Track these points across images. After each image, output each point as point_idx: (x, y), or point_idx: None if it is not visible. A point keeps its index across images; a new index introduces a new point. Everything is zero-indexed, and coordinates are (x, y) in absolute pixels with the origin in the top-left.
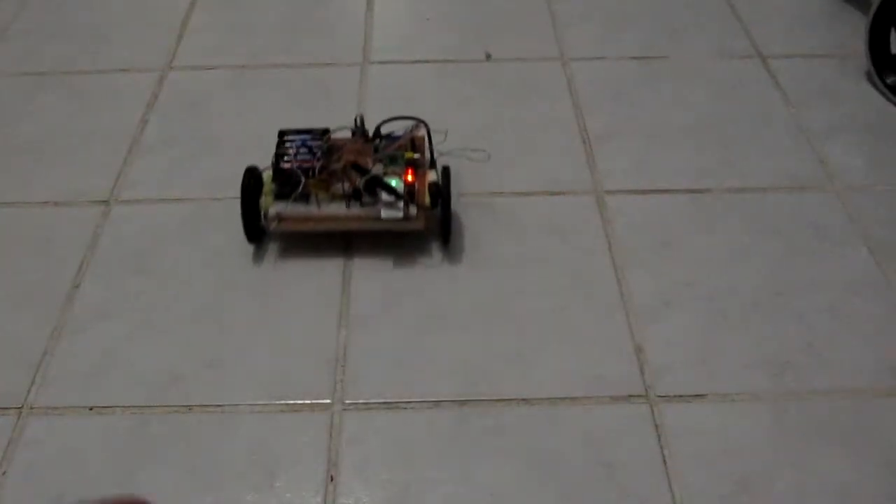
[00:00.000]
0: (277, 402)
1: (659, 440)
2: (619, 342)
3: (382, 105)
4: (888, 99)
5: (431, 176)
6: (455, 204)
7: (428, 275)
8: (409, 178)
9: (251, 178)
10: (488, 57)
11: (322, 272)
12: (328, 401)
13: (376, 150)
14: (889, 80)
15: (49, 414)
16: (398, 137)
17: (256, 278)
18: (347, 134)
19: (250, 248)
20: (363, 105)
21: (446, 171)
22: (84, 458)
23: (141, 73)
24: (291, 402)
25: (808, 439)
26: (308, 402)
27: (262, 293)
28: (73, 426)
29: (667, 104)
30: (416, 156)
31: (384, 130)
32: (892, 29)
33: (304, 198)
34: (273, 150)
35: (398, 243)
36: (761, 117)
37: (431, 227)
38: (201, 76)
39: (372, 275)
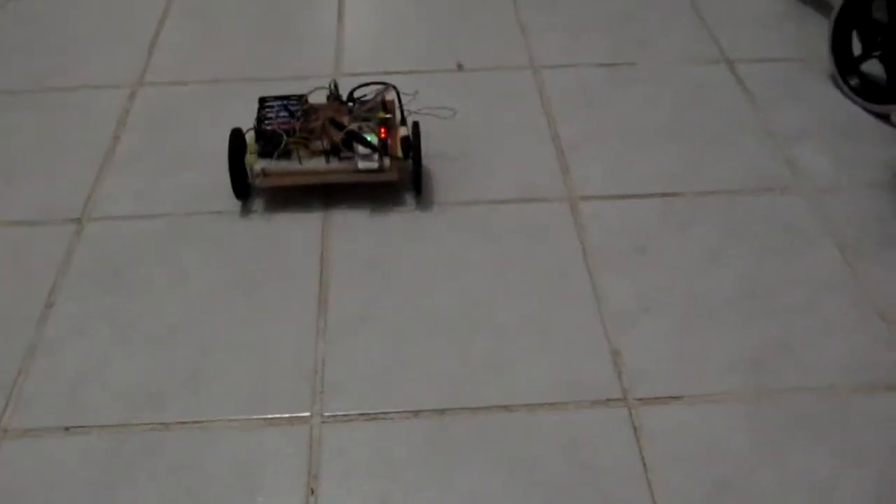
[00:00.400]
0: (257, 417)
1: (638, 443)
2: (596, 347)
3: None
4: (852, 101)
5: (402, 132)
6: (429, 202)
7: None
8: (382, 133)
9: (237, 139)
10: (460, 67)
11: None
12: (307, 413)
13: (350, 111)
14: (852, 83)
15: (25, 436)
16: (370, 101)
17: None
18: (323, 100)
19: (225, 261)
20: None
21: (416, 127)
22: (62, 480)
23: (112, 89)
24: (271, 416)
25: (784, 437)
26: (287, 415)
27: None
28: (50, 447)
29: (637, 110)
30: (388, 116)
31: (357, 95)
32: (854, 32)
33: (287, 155)
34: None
35: (374, 195)
36: (730, 121)
37: (404, 178)
38: (173, 91)
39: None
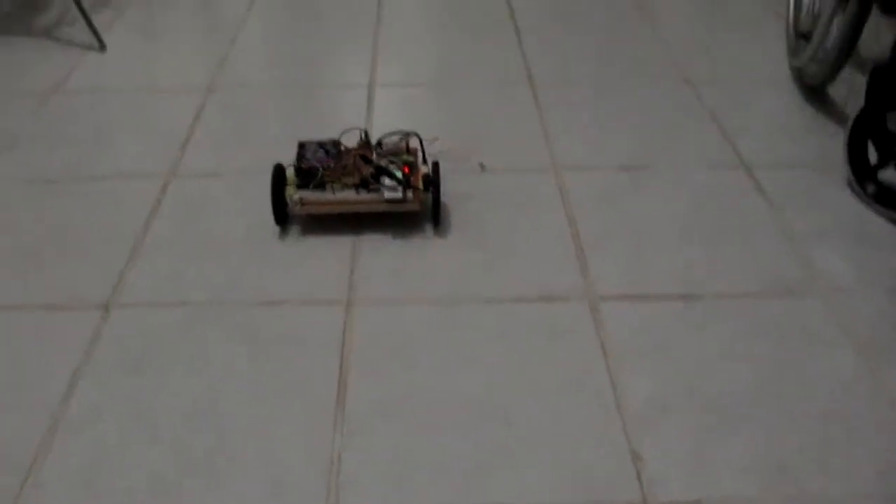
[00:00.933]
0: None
1: None
2: (615, 448)
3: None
4: (869, 206)
5: (424, 170)
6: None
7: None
8: (406, 170)
9: (278, 173)
10: (482, 167)
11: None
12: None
13: (378, 153)
14: (869, 190)
15: None
16: (395, 144)
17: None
18: (354, 144)
19: (246, 347)
20: (362, 217)
21: (436, 166)
22: None
23: (145, 179)
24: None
25: None
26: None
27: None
28: None
29: (656, 212)
30: (411, 158)
31: (384, 142)
32: (869, 141)
33: (321, 186)
34: None
35: (398, 223)
36: (748, 224)
37: (425, 209)
38: (204, 182)
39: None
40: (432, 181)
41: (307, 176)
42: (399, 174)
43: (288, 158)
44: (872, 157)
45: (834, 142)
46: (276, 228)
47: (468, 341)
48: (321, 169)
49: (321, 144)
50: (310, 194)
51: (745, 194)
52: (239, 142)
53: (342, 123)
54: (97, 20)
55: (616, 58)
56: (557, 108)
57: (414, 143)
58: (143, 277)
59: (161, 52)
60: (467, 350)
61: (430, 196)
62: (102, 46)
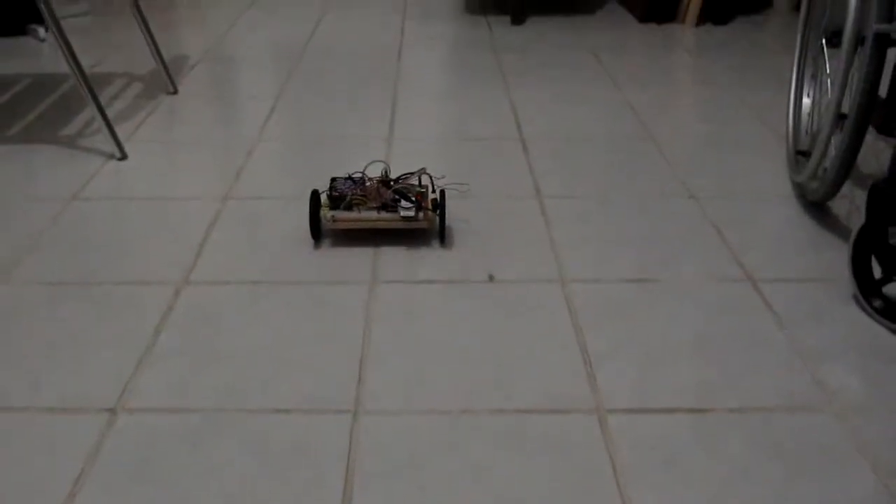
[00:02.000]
0: None
1: None
2: None
3: (390, 326)
4: (876, 321)
5: (433, 196)
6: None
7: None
8: (419, 196)
9: (315, 197)
10: (491, 278)
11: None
12: None
13: (394, 185)
14: (876, 304)
15: None
16: (410, 177)
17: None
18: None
19: (254, 459)
20: (370, 325)
21: (442, 193)
22: None
23: (158, 285)
24: None
25: None
26: None
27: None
28: None
29: (663, 325)
30: (422, 189)
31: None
32: (873, 256)
33: (350, 207)
34: None
35: (409, 238)
36: (756, 338)
37: (433, 228)
38: (216, 290)
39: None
40: (439, 205)
41: (338, 200)
42: (413, 199)
43: (299, 267)
44: (877, 271)
45: (838, 256)
46: (287, 345)
47: (475, 453)
48: (350, 194)
49: (349, 177)
50: (340, 213)
51: (753, 308)
52: (251, 251)
53: (348, 247)
54: (120, 130)
55: (621, 173)
56: (564, 220)
57: (425, 179)
58: (151, 383)
59: (180, 162)
60: (474, 462)
61: (437, 218)
62: (123, 155)
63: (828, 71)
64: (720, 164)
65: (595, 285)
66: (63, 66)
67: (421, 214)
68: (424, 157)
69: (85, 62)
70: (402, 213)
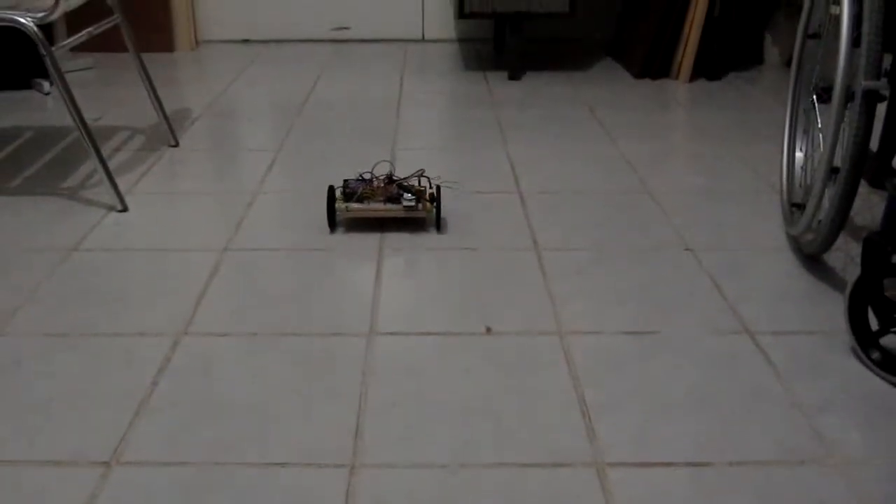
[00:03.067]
0: None
1: None
2: None
3: (390, 379)
4: (874, 373)
5: (430, 191)
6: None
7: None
8: (418, 192)
9: (332, 192)
10: (488, 330)
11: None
12: None
13: (398, 183)
14: (874, 356)
15: None
16: (410, 178)
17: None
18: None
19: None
20: (368, 378)
21: (438, 189)
22: None
23: (156, 337)
24: None
25: None
26: None
27: None
28: None
29: (662, 377)
30: (421, 187)
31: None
32: (869, 308)
33: (360, 200)
34: None
35: (410, 225)
36: (755, 391)
37: (430, 217)
38: (214, 342)
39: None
40: (436, 199)
41: (350, 195)
42: (413, 194)
43: (300, 326)
44: (874, 323)
45: (835, 308)
46: (284, 398)
47: None
48: (360, 189)
49: (360, 177)
50: (353, 205)
51: (751, 361)
52: (250, 302)
53: (349, 288)
54: (121, 182)
55: (618, 226)
56: (562, 273)
57: (424, 180)
58: (147, 436)
59: (180, 214)
60: None
61: (433, 209)
62: (124, 207)
63: (819, 125)
64: (716, 217)
65: (593, 337)
66: (66, 120)
67: (420, 205)
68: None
69: (88, 115)
70: (405, 203)
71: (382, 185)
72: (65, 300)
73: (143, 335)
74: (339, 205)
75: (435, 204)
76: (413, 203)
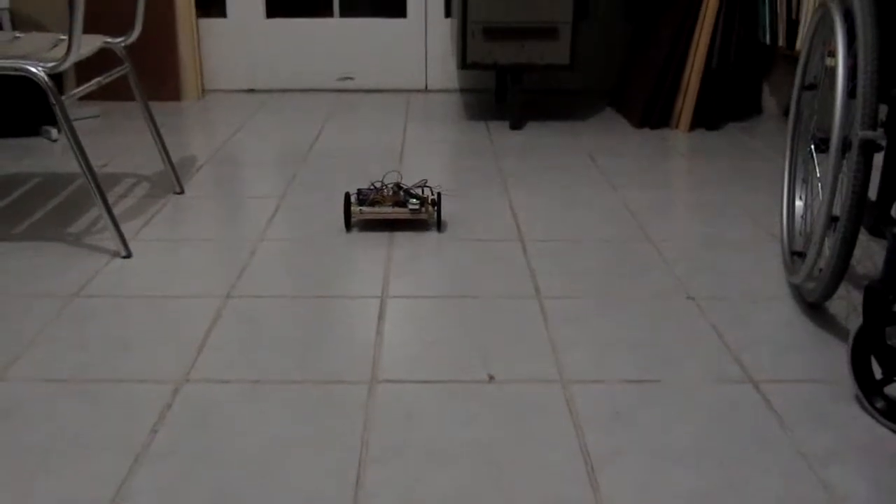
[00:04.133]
0: None
1: None
2: None
3: (391, 427)
4: (879, 422)
5: (432, 198)
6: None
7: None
8: (422, 197)
9: (348, 198)
10: (491, 378)
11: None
12: None
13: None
14: (878, 405)
15: None
16: (414, 186)
17: None
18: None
19: None
20: (370, 422)
21: (439, 195)
22: None
23: (157, 384)
24: None
25: None
26: None
27: None
28: None
29: (665, 426)
30: (425, 195)
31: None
32: (872, 356)
33: (372, 205)
34: None
35: (415, 226)
36: (759, 440)
37: (432, 220)
38: (215, 389)
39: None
40: (437, 203)
41: (364, 201)
42: (417, 199)
43: (302, 373)
44: (877, 371)
45: (838, 356)
46: (285, 447)
47: None
48: (372, 195)
49: (371, 186)
50: (366, 208)
51: (755, 410)
52: (251, 349)
53: (350, 334)
54: (126, 228)
55: (619, 274)
56: (564, 321)
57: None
58: (145, 486)
59: (183, 261)
60: None
61: (435, 212)
62: (128, 253)
63: (818, 174)
64: (717, 265)
65: (595, 386)
66: (72, 167)
67: (424, 209)
68: (425, 258)
69: (95, 162)
70: (411, 208)
71: (391, 192)
72: (66, 346)
73: (144, 382)
74: (354, 209)
75: (436, 208)
76: (417, 207)
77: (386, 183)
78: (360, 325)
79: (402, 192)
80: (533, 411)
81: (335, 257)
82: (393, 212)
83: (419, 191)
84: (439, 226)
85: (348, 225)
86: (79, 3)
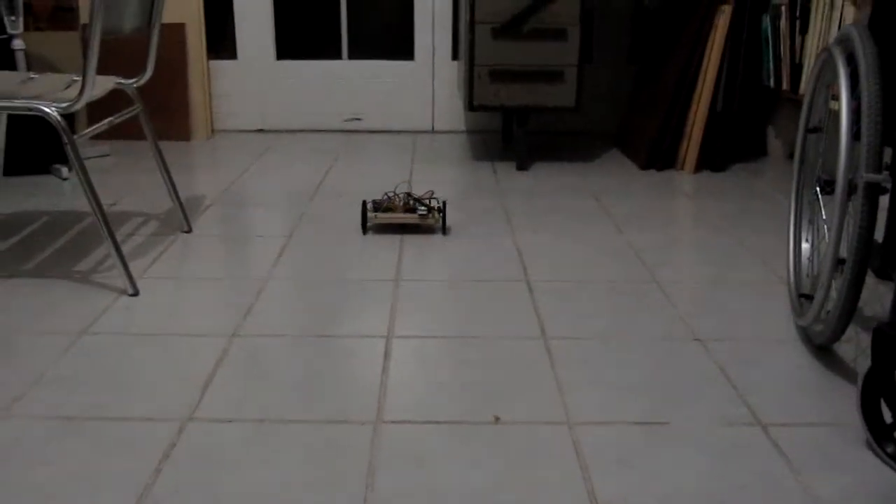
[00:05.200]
0: None
1: None
2: None
3: (397, 469)
4: (890, 467)
5: (438, 206)
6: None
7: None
8: (429, 206)
9: (364, 205)
10: (497, 420)
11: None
12: None
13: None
14: (889, 450)
15: None
16: (423, 196)
17: None
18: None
19: None
20: (375, 460)
21: (444, 204)
22: None
23: (162, 422)
24: None
25: None
26: None
27: None
28: None
29: (673, 470)
30: (432, 203)
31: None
32: (882, 400)
33: (386, 211)
34: None
35: (423, 230)
36: (768, 484)
37: (438, 225)
38: (220, 428)
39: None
40: (442, 211)
41: (378, 207)
42: (425, 206)
43: (307, 413)
44: (887, 415)
45: (847, 399)
46: (290, 488)
47: None
48: (385, 203)
49: (384, 196)
50: (380, 214)
51: (764, 454)
52: (257, 388)
53: (356, 374)
54: (134, 266)
55: (625, 315)
56: (570, 362)
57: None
58: None
59: (190, 299)
60: None
61: (440, 219)
62: (135, 292)
63: (824, 216)
64: (724, 307)
65: (602, 428)
66: (81, 205)
67: (430, 215)
68: (431, 301)
69: (104, 201)
70: (419, 214)
71: (402, 201)
72: (71, 384)
73: (149, 420)
74: (370, 214)
75: (441, 214)
76: (425, 213)
77: (398, 193)
78: (365, 364)
79: (411, 201)
80: (539, 454)
81: (343, 296)
82: (403, 217)
83: (427, 201)
84: (444, 230)
85: (364, 228)
86: (94, 46)
